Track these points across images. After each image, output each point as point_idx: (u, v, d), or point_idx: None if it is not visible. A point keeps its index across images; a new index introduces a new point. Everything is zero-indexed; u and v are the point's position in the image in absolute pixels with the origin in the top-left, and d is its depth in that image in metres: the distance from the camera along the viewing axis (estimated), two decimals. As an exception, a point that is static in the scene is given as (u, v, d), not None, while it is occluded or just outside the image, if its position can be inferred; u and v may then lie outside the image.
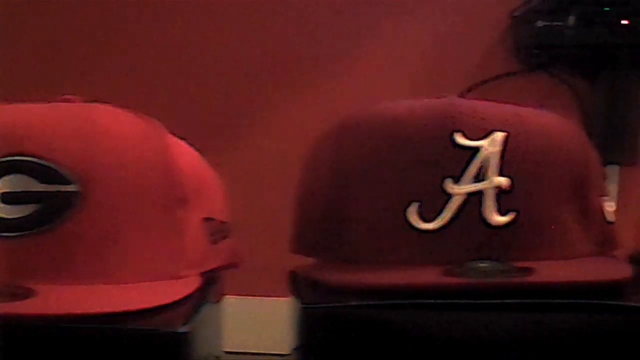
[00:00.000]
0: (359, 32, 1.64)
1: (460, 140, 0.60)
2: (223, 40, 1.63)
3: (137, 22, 1.64)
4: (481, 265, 0.56)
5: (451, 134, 0.60)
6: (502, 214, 0.59)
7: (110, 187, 0.54)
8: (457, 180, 0.59)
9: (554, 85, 1.61)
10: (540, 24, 1.48)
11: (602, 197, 0.65)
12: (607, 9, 1.46)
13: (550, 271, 0.55)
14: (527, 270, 0.55)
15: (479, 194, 0.59)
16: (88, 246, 0.53)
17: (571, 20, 1.45)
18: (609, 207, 0.66)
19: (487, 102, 0.63)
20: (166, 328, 0.48)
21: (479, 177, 0.59)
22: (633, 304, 0.52)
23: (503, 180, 0.59)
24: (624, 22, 1.46)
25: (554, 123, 0.63)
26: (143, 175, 0.55)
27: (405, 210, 0.59)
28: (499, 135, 0.60)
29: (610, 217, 0.66)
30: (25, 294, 0.48)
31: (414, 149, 0.60)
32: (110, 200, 0.53)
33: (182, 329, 0.48)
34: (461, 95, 0.65)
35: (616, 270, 0.57)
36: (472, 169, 0.59)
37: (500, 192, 0.59)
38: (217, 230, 0.64)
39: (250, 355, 1.51)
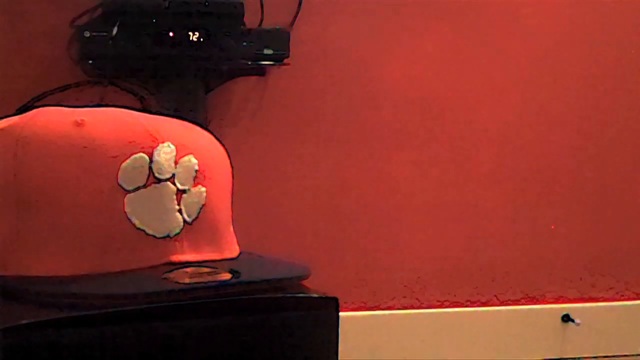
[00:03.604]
0: None
1: None
2: None
3: None
4: None
5: None
6: None
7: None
8: None
9: (122, 96, 1.60)
10: (87, 34, 1.46)
11: None
12: (154, 20, 1.47)
13: None
14: None
15: None
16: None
17: (114, 31, 1.44)
18: None
19: None
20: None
21: None
22: None
23: None
24: (171, 34, 1.47)
25: None
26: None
27: None
28: None
29: None
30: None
31: None
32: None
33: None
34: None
35: None
36: None
37: None
38: None
39: None
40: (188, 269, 0.59)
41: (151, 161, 0.61)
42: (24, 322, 0.51)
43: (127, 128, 0.61)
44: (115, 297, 0.55)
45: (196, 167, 0.63)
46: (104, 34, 1.45)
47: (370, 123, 1.66)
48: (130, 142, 0.60)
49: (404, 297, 1.68)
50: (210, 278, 0.58)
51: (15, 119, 0.63)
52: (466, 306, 1.70)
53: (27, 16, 1.58)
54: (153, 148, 0.61)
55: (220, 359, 0.56)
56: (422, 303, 1.69)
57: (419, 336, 1.66)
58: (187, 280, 0.57)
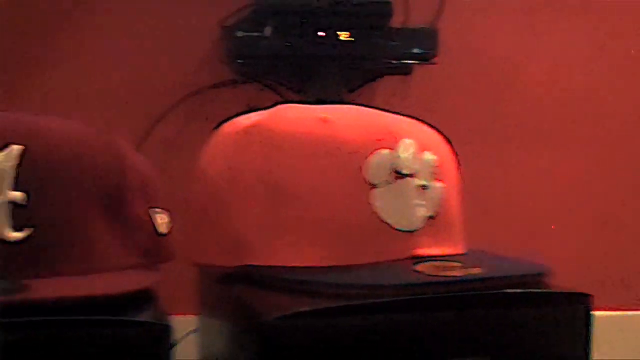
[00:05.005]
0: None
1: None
2: None
3: None
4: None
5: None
6: (19, 229, 0.57)
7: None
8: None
9: (266, 95, 1.63)
10: (240, 34, 1.49)
11: (152, 209, 0.65)
12: (305, 20, 1.49)
13: (50, 288, 0.54)
14: (27, 289, 0.53)
15: (-8, 210, 0.56)
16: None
17: (268, 31, 1.47)
18: (162, 219, 0.66)
19: (8, 114, 0.61)
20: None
21: (-5, 193, 0.57)
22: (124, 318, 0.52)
23: (18, 195, 0.57)
24: (321, 34, 1.49)
25: (80, 135, 0.62)
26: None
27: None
28: (15, 149, 0.58)
29: (163, 229, 0.66)
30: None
31: None
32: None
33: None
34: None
35: (125, 283, 0.56)
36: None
37: (16, 207, 0.57)
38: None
39: None
40: (436, 263, 0.61)
41: (394, 157, 0.62)
42: (302, 310, 0.53)
43: (370, 125, 0.63)
44: (374, 288, 0.56)
45: (434, 164, 0.64)
46: (257, 34, 1.48)
47: (518, 123, 1.65)
48: (373, 139, 0.62)
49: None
50: (460, 272, 0.59)
51: (258, 116, 0.65)
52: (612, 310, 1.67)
53: (175, 16, 1.62)
54: (395, 144, 0.62)
55: (470, 353, 0.57)
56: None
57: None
58: (438, 274, 0.58)
